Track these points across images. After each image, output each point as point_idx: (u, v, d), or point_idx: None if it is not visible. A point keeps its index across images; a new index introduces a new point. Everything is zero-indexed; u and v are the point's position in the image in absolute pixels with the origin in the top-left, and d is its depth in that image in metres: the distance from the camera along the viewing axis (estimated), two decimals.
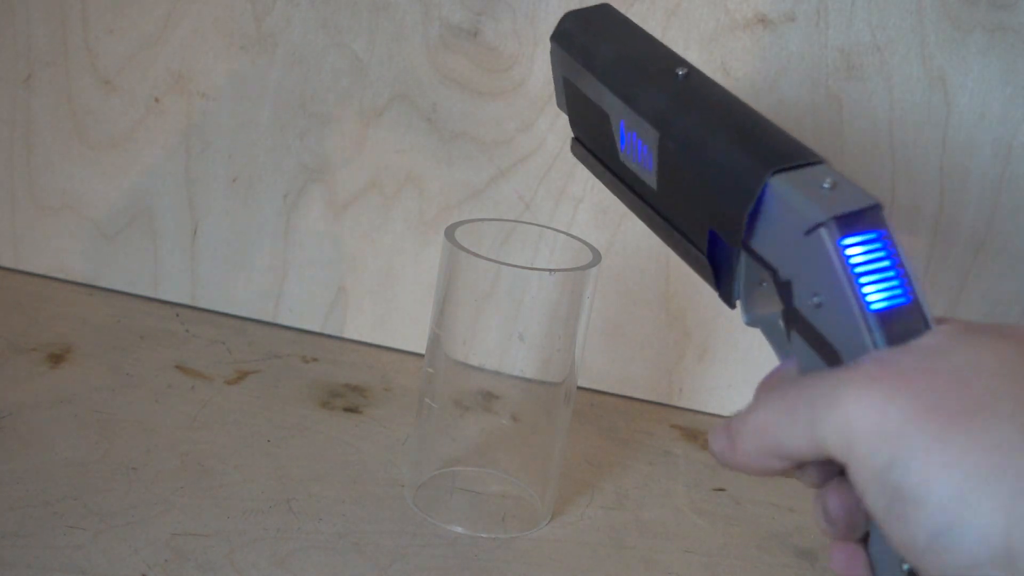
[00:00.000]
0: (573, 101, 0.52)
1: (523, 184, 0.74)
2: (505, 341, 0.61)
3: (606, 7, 0.53)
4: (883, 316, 0.38)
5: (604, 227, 0.74)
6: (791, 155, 0.41)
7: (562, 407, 0.60)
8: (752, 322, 0.44)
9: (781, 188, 0.40)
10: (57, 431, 0.61)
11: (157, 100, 0.76)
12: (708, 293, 0.74)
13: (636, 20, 0.71)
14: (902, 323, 0.38)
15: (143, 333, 0.74)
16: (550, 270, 0.57)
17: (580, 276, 0.57)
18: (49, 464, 0.58)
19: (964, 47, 0.68)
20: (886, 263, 0.38)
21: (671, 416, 0.75)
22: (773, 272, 0.41)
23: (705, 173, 0.43)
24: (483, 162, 0.74)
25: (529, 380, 0.62)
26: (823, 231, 0.38)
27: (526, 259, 0.62)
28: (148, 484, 0.57)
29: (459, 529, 0.58)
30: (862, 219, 0.38)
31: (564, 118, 0.73)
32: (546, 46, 0.73)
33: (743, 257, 0.42)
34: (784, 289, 0.40)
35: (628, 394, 0.77)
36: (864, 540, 0.40)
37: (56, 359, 0.69)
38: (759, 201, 0.40)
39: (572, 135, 0.54)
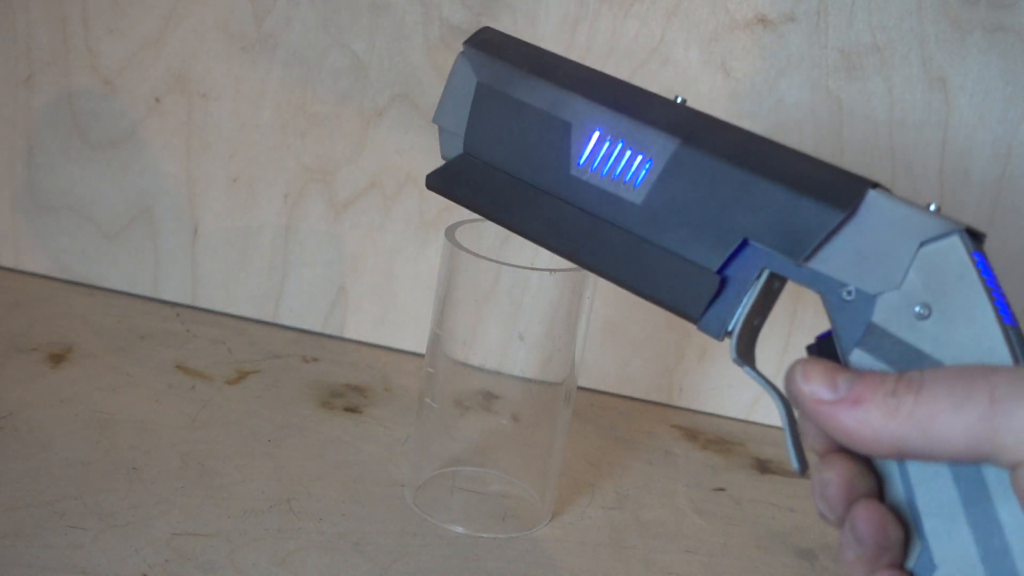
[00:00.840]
0: (488, 112, 0.49)
1: None
2: (505, 341, 0.61)
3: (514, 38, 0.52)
4: (1016, 331, 0.38)
5: None
6: (863, 177, 0.41)
7: (562, 407, 0.60)
8: (742, 361, 0.43)
9: (884, 201, 0.40)
10: (58, 431, 0.61)
11: (158, 100, 0.76)
12: None
13: (636, 20, 0.71)
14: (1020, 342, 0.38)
15: (143, 333, 0.74)
16: (550, 270, 0.57)
17: (580, 276, 0.57)
18: (50, 464, 0.58)
19: (964, 47, 0.68)
20: (993, 282, 0.38)
21: (671, 416, 0.75)
22: (834, 290, 0.40)
23: (765, 180, 0.42)
24: None
25: (529, 380, 0.62)
26: (957, 239, 0.38)
27: (526, 259, 0.62)
28: (149, 484, 0.57)
29: (459, 529, 0.58)
30: (978, 240, 0.39)
31: None
32: (548, 46, 0.72)
33: (762, 280, 0.42)
34: (851, 308, 0.40)
35: (628, 394, 0.77)
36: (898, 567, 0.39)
37: (57, 359, 0.69)
38: (852, 213, 0.40)
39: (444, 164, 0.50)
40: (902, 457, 0.38)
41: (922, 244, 0.39)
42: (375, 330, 0.78)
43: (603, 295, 0.74)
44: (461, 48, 0.50)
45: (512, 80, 0.48)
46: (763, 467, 0.70)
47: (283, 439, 0.64)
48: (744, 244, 0.42)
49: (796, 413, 0.42)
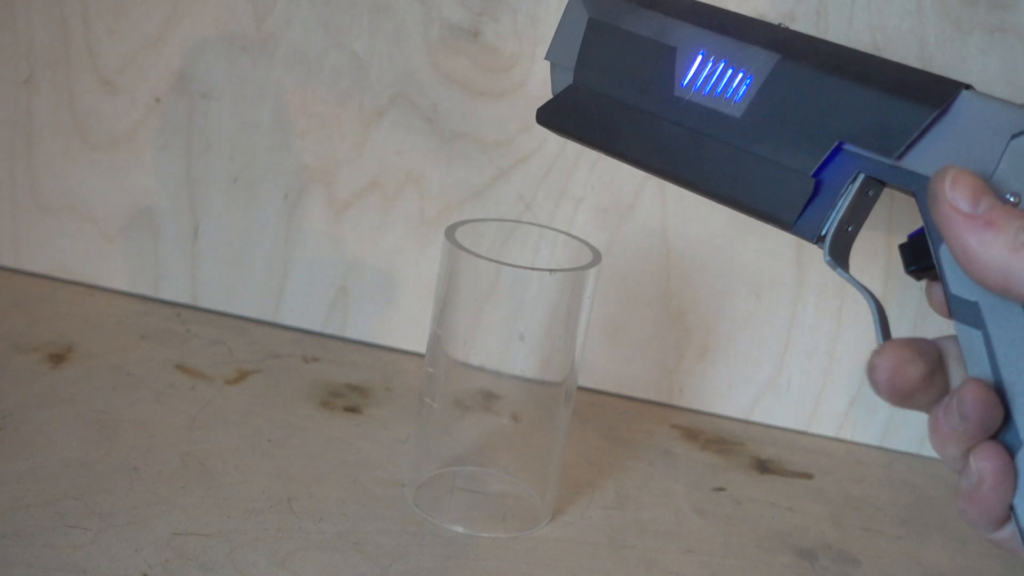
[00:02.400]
0: (598, 44, 0.52)
1: (523, 184, 0.74)
2: (505, 341, 0.61)
3: None
4: None
5: (604, 227, 0.74)
6: (957, 81, 0.43)
7: (562, 407, 0.60)
8: (836, 263, 0.45)
9: (976, 100, 0.41)
10: (58, 431, 0.61)
11: (158, 100, 0.76)
12: (708, 293, 0.74)
13: None
14: None
15: (144, 333, 0.74)
16: (550, 270, 0.57)
17: (580, 276, 0.57)
18: (50, 464, 0.58)
19: (964, 47, 0.68)
20: None
21: (671, 416, 0.75)
22: (927, 185, 0.41)
23: (863, 88, 0.43)
24: (483, 162, 0.74)
25: (529, 380, 0.62)
26: None
27: (526, 259, 0.62)
28: (149, 484, 0.57)
29: (459, 529, 0.58)
30: None
31: None
32: (547, 46, 0.73)
33: (857, 183, 0.44)
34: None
35: (628, 394, 0.77)
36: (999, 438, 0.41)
37: (57, 359, 0.69)
38: (946, 110, 0.42)
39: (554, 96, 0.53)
40: (1004, 293, 0.39)
41: (1013, 136, 0.40)
42: (375, 330, 0.78)
43: (603, 295, 0.74)
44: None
45: (621, 13, 0.51)
46: (763, 467, 0.70)
47: (283, 439, 0.64)
48: (839, 149, 0.44)
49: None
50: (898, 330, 0.73)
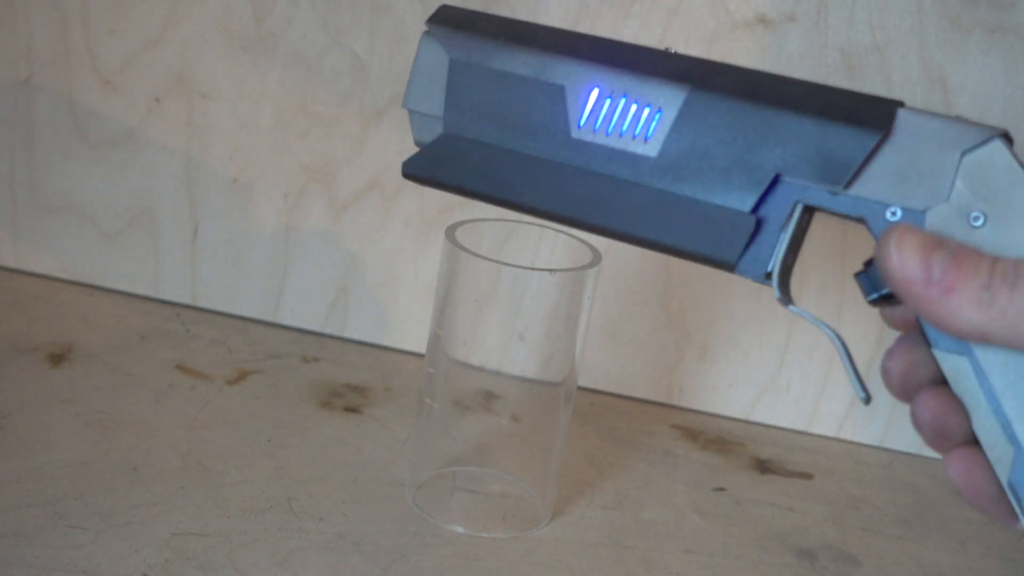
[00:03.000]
0: (468, 88, 0.47)
1: None
2: (505, 341, 0.61)
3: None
4: None
5: None
6: (888, 98, 0.41)
7: (562, 407, 0.60)
8: (788, 300, 0.43)
9: (916, 117, 0.40)
10: (58, 431, 0.61)
11: (158, 100, 0.76)
12: (708, 293, 0.74)
13: (636, 20, 0.71)
14: None
15: (144, 333, 0.74)
16: (550, 270, 0.57)
17: (580, 276, 0.57)
18: (50, 464, 0.58)
19: (964, 47, 0.68)
20: None
21: (671, 416, 0.75)
22: (878, 213, 0.40)
23: (791, 112, 0.41)
24: None
25: (529, 380, 0.62)
26: (1000, 143, 0.38)
27: (526, 259, 0.62)
28: (149, 484, 0.57)
29: (459, 529, 0.58)
30: (1010, 141, 0.39)
31: None
32: None
33: (797, 214, 0.42)
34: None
35: (628, 394, 0.77)
36: (973, 445, 0.40)
37: (57, 359, 0.69)
38: (889, 132, 0.40)
39: (421, 148, 0.48)
40: (986, 343, 0.38)
41: (964, 153, 0.39)
42: (375, 330, 0.78)
43: (603, 295, 0.74)
44: (424, 28, 0.48)
45: (489, 52, 0.46)
46: (763, 467, 0.70)
47: (283, 439, 0.64)
48: (776, 181, 0.42)
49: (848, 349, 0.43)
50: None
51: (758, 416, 0.76)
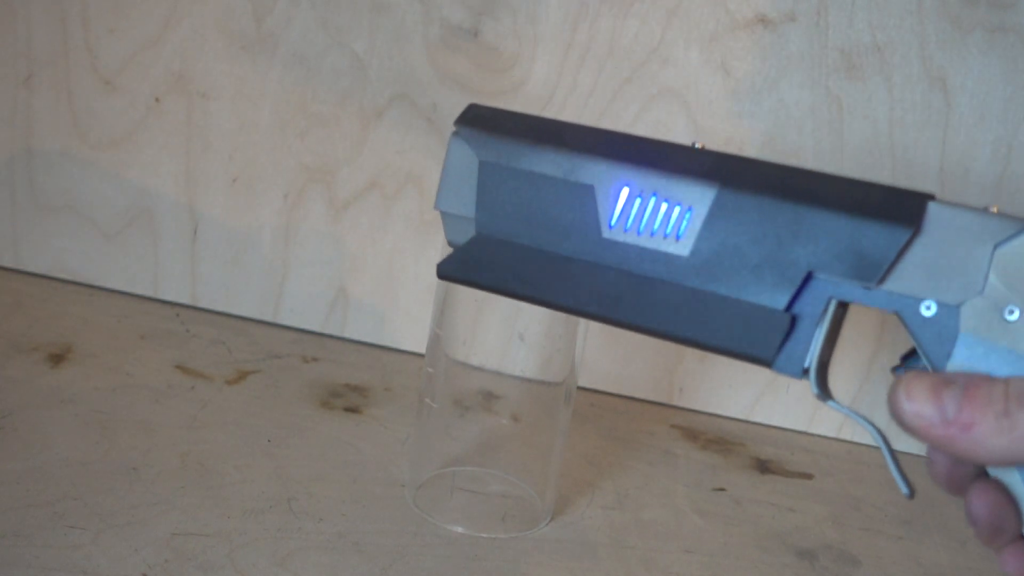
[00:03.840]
0: (498, 189, 0.47)
1: None
2: (505, 341, 0.61)
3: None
4: None
5: None
6: (918, 191, 0.41)
7: (562, 407, 0.60)
8: (825, 396, 0.43)
9: (947, 211, 0.40)
10: (58, 431, 0.61)
11: (157, 100, 0.76)
12: None
13: (636, 20, 0.71)
14: None
15: (143, 333, 0.74)
16: None
17: None
18: (50, 464, 0.58)
19: (964, 47, 0.68)
20: None
21: (671, 416, 0.75)
22: (912, 307, 0.40)
23: (821, 210, 0.41)
24: None
25: (529, 380, 0.62)
26: None
27: None
28: (148, 484, 0.57)
29: (459, 529, 0.58)
30: None
31: (566, 117, 0.73)
32: (548, 46, 0.73)
33: (831, 310, 0.42)
34: (934, 323, 0.40)
35: (628, 394, 0.77)
36: None
37: (57, 359, 0.69)
38: (920, 228, 0.40)
39: (455, 249, 0.48)
40: (1019, 464, 0.37)
41: (997, 246, 0.39)
42: (375, 330, 0.78)
43: None
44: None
45: (518, 153, 0.47)
46: (763, 467, 0.70)
47: (283, 439, 0.64)
48: (808, 278, 0.42)
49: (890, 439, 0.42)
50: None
51: (758, 416, 0.76)
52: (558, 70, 0.72)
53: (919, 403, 0.38)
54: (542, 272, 0.46)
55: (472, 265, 0.47)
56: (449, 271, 0.48)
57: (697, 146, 0.45)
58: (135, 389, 0.67)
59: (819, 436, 0.75)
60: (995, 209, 0.40)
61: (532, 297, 0.47)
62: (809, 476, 0.70)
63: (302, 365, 0.74)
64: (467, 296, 0.58)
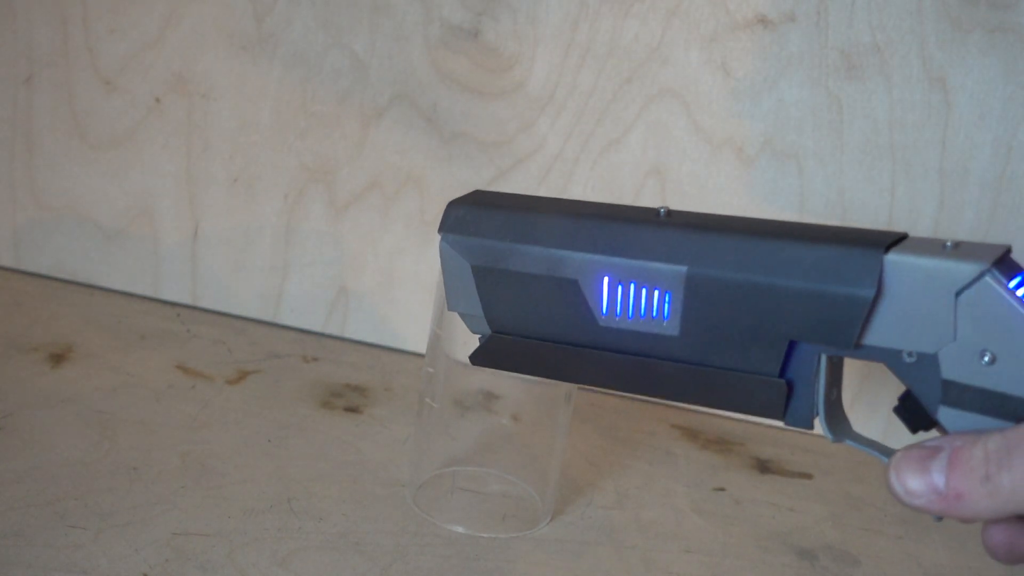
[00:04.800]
0: (494, 290, 0.49)
1: (523, 184, 0.74)
2: None
3: (477, 192, 0.53)
4: None
5: None
6: (879, 236, 0.41)
7: (562, 407, 0.60)
8: (840, 437, 0.44)
9: (905, 262, 0.40)
10: (58, 431, 0.61)
11: (158, 100, 0.76)
12: None
13: (636, 20, 0.71)
14: None
15: (144, 333, 0.74)
16: None
17: None
18: (50, 464, 0.58)
19: (964, 47, 0.68)
20: None
21: (671, 416, 0.75)
22: (895, 357, 0.41)
23: (782, 283, 0.42)
24: (483, 162, 0.74)
25: (529, 380, 0.62)
26: (989, 280, 0.38)
27: None
28: (149, 484, 0.57)
29: (459, 529, 0.58)
30: (1009, 262, 0.39)
31: (566, 117, 0.73)
32: (548, 46, 0.73)
33: (823, 365, 0.43)
34: (918, 369, 0.40)
35: (628, 394, 0.77)
36: None
37: (57, 359, 0.69)
38: (880, 290, 0.40)
39: (480, 343, 0.51)
40: (1018, 512, 0.38)
41: (958, 294, 0.39)
42: (375, 330, 0.78)
43: None
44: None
45: (502, 255, 0.48)
46: (763, 467, 0.70)
47: (283, 439, 0.64)
48: (792, 344, 0.43)
49: None
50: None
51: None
52: (558, 70, 0.72)
53: (909, 483, 0.39)
54: (556, 359, 0.48)
55: (496, 357, 0.50)
56: (482, 361, 0.51)
57: (663, 212, 0.46)
58: (135, 389, 0.67)
59: (819, 436, 0.75)
60: (951, 244, 0.40)
61: (556, 377, 0.50)
62: (809, 476, 0.70)
63: (302, 365, 0.74)
64: None
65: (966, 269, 0.39)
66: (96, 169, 0.77)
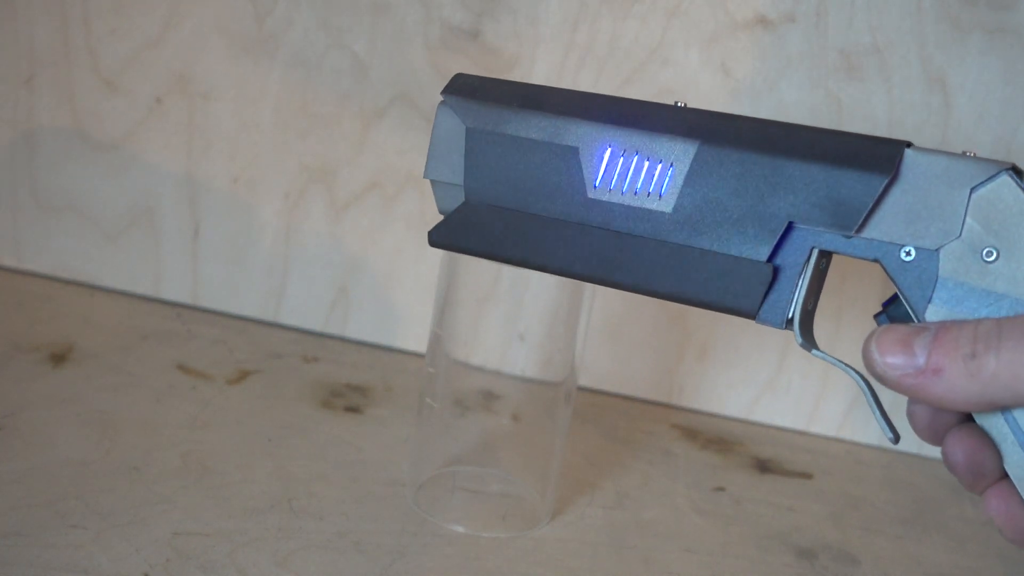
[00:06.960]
0: (485, 155, 0.48)
1: None
2: (505, 341, 0.61)
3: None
4: None
5: None
6: (895, 139, 0.42)
7: (562, 407, 0.60)
8: (808, 345, 0.43)
9: (923, 157, 0.41)
10: (59, 431, 0.61)
11: (159, 101, 0.76)
12: None
13: (636, 21, 0.71)
14: None
15: (145, 333, 0.74)
16: None
17: None
18: (51, 463, 0.58)
19: (964, 47, 0.68)
20: None
21: (671, 416, 0.75)
22: (892, 253, 0.41)
23: (799, 161, 0.42)
24: None
25: (529, 380, 0.62)
26: (1007, 177, 0.39)
27: None
28: (150, 483, 0.57)
29: (460, 528, 0.58)
30: (1020, 174, 0.40)
31: None
32: (548, 47, 0.73)
33: (813, 260, 0.43)
34: (914, 268, 0.41)
35: (628, 394, 0.77)
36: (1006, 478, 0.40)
37: (58, 359, 0.69)
38: (896, 175, 0.41)
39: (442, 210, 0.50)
40: (992, 409, 0.38)
41: (973, 189, 0.40)
42: (376, 330, 0.78)
43: (603, 295, 0.74)
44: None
45: (503, 119, 0.48)
46: (763, 467, 0.70)
47: (284, 439, 0.64)
48: (789, 228, 0.43)
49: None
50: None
51: (758, 416, 0.76)
52: (558, 71, 0.72)
53: (889, 353, 0.38)
54: (530, 235, 0.47)
55: (462, 232, 0.49)
56: (440, 239, 0.50)
57: (680, 105, 0.46)
58: (136, 389, 0.67)
59: (818, 436, 0.75)
60: (972, 154, 0.40)
61: (521, 260, 0.48)
62: (808, 476, 0.70)
63: (303, 365, 0.74)
64: (467, 296, 0.58)
65: (985, 167, 0.39)
66: (97, 169, 0.78)
